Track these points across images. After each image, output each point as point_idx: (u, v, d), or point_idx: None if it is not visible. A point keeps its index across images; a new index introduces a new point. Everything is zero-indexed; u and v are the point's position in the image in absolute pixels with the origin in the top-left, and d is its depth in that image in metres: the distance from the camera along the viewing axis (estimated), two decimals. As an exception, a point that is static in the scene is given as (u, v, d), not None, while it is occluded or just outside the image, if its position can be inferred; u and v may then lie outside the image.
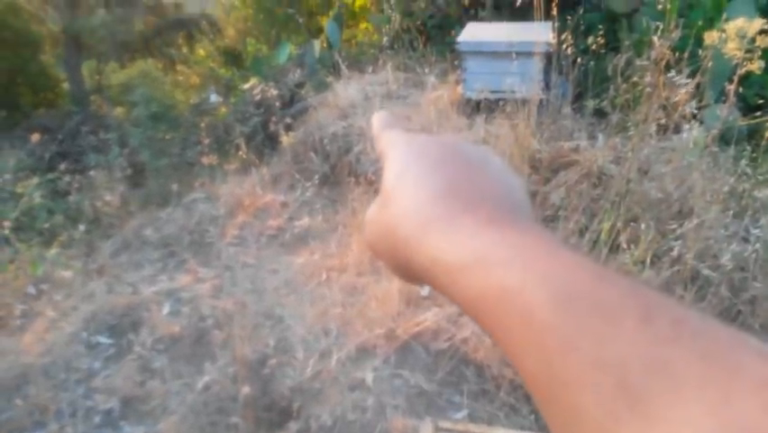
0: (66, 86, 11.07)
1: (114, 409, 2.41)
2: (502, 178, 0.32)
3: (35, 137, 4.92)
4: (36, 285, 3.25)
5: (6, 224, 3.33)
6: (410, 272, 0.30)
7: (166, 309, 2.91)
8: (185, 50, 14.13)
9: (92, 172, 4.47)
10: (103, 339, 2.84)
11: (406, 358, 2.54)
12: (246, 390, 2.27)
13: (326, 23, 6.52)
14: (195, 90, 11.30)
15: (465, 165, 0.32)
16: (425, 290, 2.94)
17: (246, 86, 5.38)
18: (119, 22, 10.62)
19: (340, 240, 3.40)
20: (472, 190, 0.30)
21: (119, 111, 10.98)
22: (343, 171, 3.95)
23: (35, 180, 4.05)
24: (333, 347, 2.57)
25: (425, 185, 0.30)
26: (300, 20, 6.84)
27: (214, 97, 6.21)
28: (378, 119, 0.40)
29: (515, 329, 0.23)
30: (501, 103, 4.06)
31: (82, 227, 3.64)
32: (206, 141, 4.73)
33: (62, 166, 4.33)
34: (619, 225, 2.70)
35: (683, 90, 2.99)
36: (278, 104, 4.85)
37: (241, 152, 4.47)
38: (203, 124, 5.03)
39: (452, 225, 0.27)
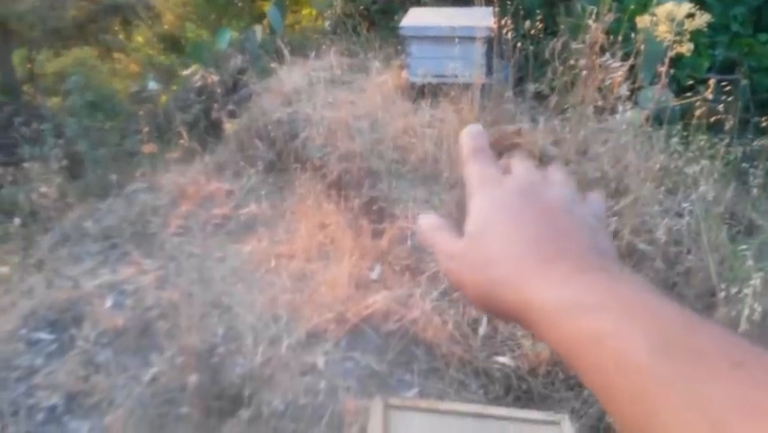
0: (-7, 75, 10.51)
1: (57, 405, 2.34)
2: (587, 223, 0.34)
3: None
4: (-31, 283, 3.10)
5: (-67, 219, 3.16)
6: (500, 310, 0.32)
7: (109, 303, 2.84)
8: (122, 36, 13.64)
9: (26, 164, 4.27)
10: (44, 335, 2.74)
11: (357, 341, 2.56)
12: (194, 379, 2.25)
13: (268, 7, 6.42)
14: (133, 78, 10.95)
15: (551, 213, 0.34)
16: (374, 273, 2.97)
17: (186, 72, 5.24)
18: (50, 7, 10.12)
19: (288, 227, 3.38)
20: (561, 238, 0.32)
21: (54, 101, 10.52)
22: (289, 158, 3.91)
23: (-37, 174, 3.85)
24: (284, 333, 2.56)
25: (516, 233, 0.32)
26: (241, 4, 6.71)
27: (153, 84, 6.03)
28: (468, 140, 0.40)
29: (609, 372, 0.24)
30: (445, 87, 4.10)
31: (17, 221, 3.49)
32: (146, 129, 4.59)
33: (-7, 158, 4.13)
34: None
35: (618, 72, 3.10)
36: (220, 90, 4.74)
37: (183, 141, 4.37)
38: (142, 113, 4.88)
39: (545, 270, 0.29)
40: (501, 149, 3.60)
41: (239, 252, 3.24)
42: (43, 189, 3.79)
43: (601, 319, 0.26)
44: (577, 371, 0.27)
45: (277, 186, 3.86)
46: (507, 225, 0.33)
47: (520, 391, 2.28)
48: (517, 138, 3.46)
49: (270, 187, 3.84)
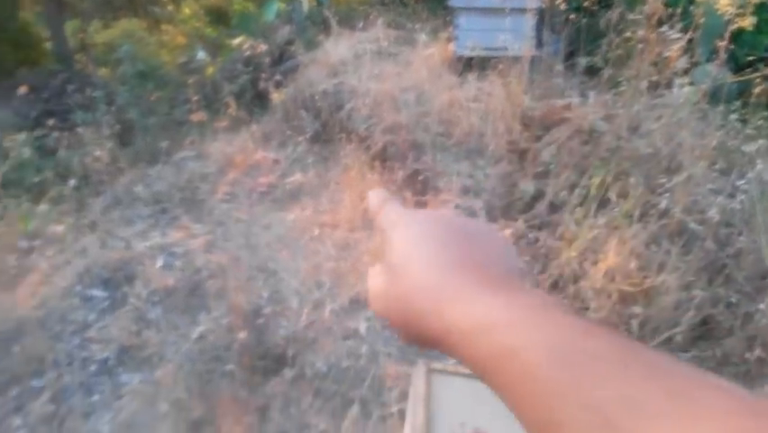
0: (48, 45, 10.81)
1: (110, 357, 2.44)
2: (495, 247, 0.36)
3: (23, 89, 4.82)
4: (28, 240, 3.24)
5: (-5, 179, 3.30)
6: (424, 340, 0.33)
7: (159, 263, 2.92)
8: (170, 8, 13.82)
9: (80, 129, 4.40)
10: (97, 292, 2.85)
11: (399, 309, 2.58)
12: (240, 338, 2.31)
13: (316, -21, 6.39)
14: (180, 50, 11.09)
15: (466, 241, 0.35)
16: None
17: (236, 41, 5.29)
18: (101, -22, 10.31)
19: (332, 196, 3.41)
20: (473, 263, 0.33)
21: (103, 71, 10.77)
22: (335, 129, 3.93)
23: (23, 137, 4.00)
24: (327, 299, 2.60)
25: (435, 261, 0.33)
26: (289, -24, 6.70)
27: (201, 54, 6.11)
28: (374, 196, 0.42)
29: (518, 384, 0.26)
30: (493, 60, 4.04)
31: (72, 183, 3.62)
32: (195, 99, 4.67)
33: (50, 123, 4.27)
34: (609, 180, 2.73)
35: (675, 46, 3.00)
36: (267, 61, 4.78)
37: (230, 110, 4.43)
38: (191, 82, 4.95)
39: (463, 296, 0.30)
40: (549, 124, 3.54)
41: (284, 219, 3.29)
42: (96, 154, 3.91)
43: (513, 336, 0.27)
44: (493, 388, 0.28)
45: (322, 156, 3.89)
46: (425, 255, 0.34)
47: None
48: (566, 112, 3.40)
49: (315, 157, 3.87)
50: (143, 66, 6.39)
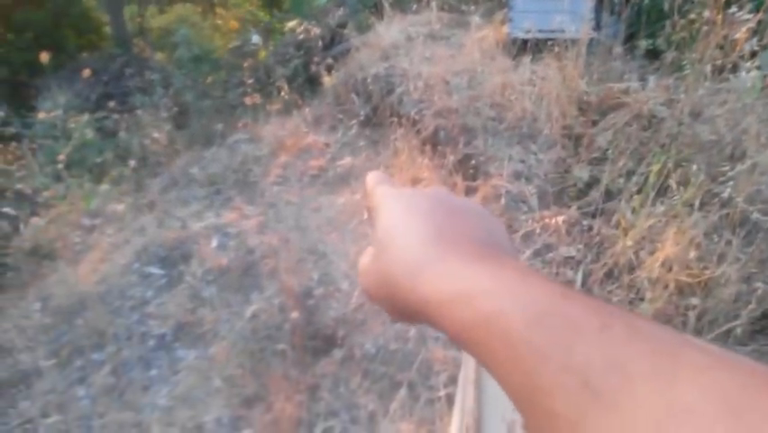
0: (108, 29, 11.16)
1: (167, 333, 2.53)
2: (482, 221, 0.36)
3: (85, 73, 5.00)
4: (90, 218, 3.38)
5: (60, 158, 3.44)
6: (407, 314, 0.33)
7: (214, 243, 3.00)
8: (223, -7, 14.02)
9: (138, 112, 4.55)
10: (155, 270, 2.95)
11: (448, 294, 2.58)
12: (292, 318, 2.36)
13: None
14: (234, 34, 11.26)
15: (449, 213, 0.35)
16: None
17: (289, 24, 5.33)
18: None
19: (382, 180, 3.42)
20: (456, 234, 0.33)
21: (160, 55, 11.05)
22: (385, 112, 3.93)
23: (85, 118, 4.15)
24: (376, 282, 2.62)
25: (413, 233, 0.33)
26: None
27: (255, 38, 6.19)
28: (371, 178, 0.43)
29: (498, 350, 0.26)
30: (549, 43, 3.94)
31: (131, 164, 3.74)
32: (248, 82, 4.74)
33: (110, 105, 4.42)
34: (669, 167, 2.64)
35: (744, 28, 2.85)
36: (319, 45, 4.81)
37: (282, 94, 4.48)
38: (245, 66, 5.03)
39: (440, 266, 0.30)
40: (606, 109, 3.44)
41: (334, 202, 3.32)
42: (155, 136, 4.03)
43: (488, 303, 0.27)
44: (476, 357, 0.28)
45: (372, 140, 3.90)
46: (405, 227, 0.34)
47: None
48: (624, 97, 3.29)
49: (366, 140, 3.88)
50: (198, 50, 6.53)
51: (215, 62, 6.62)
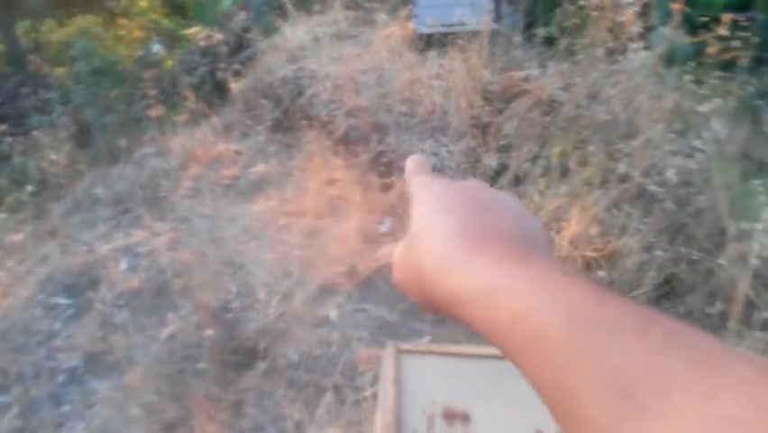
0: (-1, 47, 10.48)
1: (78, 366, 2.40)
2: (516, 217, 0.35)
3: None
4: (-14, 251, 3.16)
5: (-53, 190, 3.20)
6: (434, 306, 0.33)
7: (123, 265, 2.87)
8: (124, 1, 13.47)
9: (35, 133, 4.29)
10: (61, 300, 2.80)
11: (369, 293, 2.58)
12: (210, 335, 2.29)
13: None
14: (138, 44, 10.84)
15: (480, 208, 0.35)
16: (384, 226, 2.97)
17: (189, 31, 5.17)
18: (50, -25, 9.99)
19: (297, 184, 3.38)
20: (485, 231, 0.33)
21: (59, 71, 10.48)
22: (296, 115, 3.88)
23: (-26, 145, 3.88)
24: (296, 288, 2.59)
25: (444, 227, 0.34)
26: (242, -39, 6.55)
27: (157, 48, 5.98)
28: (410, 163, 0.44)
29: (528, 349, 0.26)
30: (453, 36, 4.01)
31: (29, 189, 3.52)
32: (153, 94, 4.57)
33: (1, 128, 4.15)
34: (569, 148, 2.74)
35: (630, 11, 2.99)
36: (224, 50, 4.69)
37: (189, 103, 4.35)
38: (148, 77, 4.84)
39: (466, 262, 0.31)
40: (510, 97, 3.53)
41: (249, 211, 3.25)
42: (53, 157, 3.81)
43: (517, 302, 0.27)
44: (504, 353, 0.28)
45: (284, 144, 3.84)
46: (437, 221, 0.34)
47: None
48: (526, 84, 3.39)
49: (278, 145, 3.82)
50: (99, 62, 6.23)
51: (118, 75, 6.33)
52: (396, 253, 0.38)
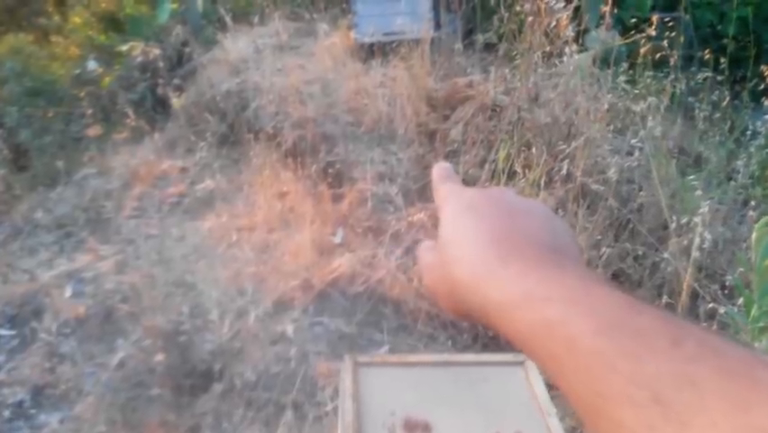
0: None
1: (24, 400, 2.30)
2: (546, 224, 0.36)
3: None
4: None
5: None
6: (466, 312, 0.34)
7: (68, 292, 2.77)
8: (57, 18, 13.02)
9: (-34, 159, 4.10)
10: (3, 331, 2.67)
11: (325, 305, 2.56)
12: (163, 359, 2.23)
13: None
14: (75, 61, 10.50)
15: (510, 215, 0.35)
16: (337, 237, 2.96)
17: (126, 47, 5.05)
18: (-26, -8, 9.57)
19: (246, 199, 3.33)
20: (516, 238, 0.33)
21: (-9, 92, 10.04)
22: (242, 129, 3.83)
23: None
24: (251, 305, 2.55)
25: (476, 234, 0.34)
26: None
27: (93, 65, 5.80)
28: (437, 171, 0.44)
29: (561, 357, 0.26)
30: (394, 45, 4.04)
31: (-38, 218, 3.36)
32: (91, 112, 4.43)
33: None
34: (513, 152, 2.80)
35: (562, 15, 3.09)
36: (164, 65, 4.59)
37: (130, 121, 4.22)
38: (84, 95, 4.69)
39: (500, 269, 0.31)
40: (454, 103, 3.59)
41: (198, 229, 3.19)
42: (-13, 183, 3.65)
43: (551, 309, 0.27)
44: (536, 360, 0.29)
45: (231, 159, 3.79)
46: (469, 228, 0.35)
47: (487, 338, 2.33)
48: (469, 90, 3.45)
49: (225, 160, 3.77)
50: (32, 82, 6.01)
51: (54, 94, 6.11)
52: (424, 258, 0.39)
